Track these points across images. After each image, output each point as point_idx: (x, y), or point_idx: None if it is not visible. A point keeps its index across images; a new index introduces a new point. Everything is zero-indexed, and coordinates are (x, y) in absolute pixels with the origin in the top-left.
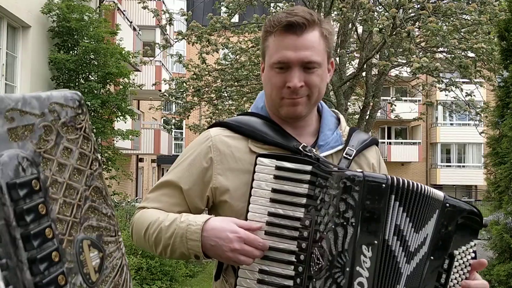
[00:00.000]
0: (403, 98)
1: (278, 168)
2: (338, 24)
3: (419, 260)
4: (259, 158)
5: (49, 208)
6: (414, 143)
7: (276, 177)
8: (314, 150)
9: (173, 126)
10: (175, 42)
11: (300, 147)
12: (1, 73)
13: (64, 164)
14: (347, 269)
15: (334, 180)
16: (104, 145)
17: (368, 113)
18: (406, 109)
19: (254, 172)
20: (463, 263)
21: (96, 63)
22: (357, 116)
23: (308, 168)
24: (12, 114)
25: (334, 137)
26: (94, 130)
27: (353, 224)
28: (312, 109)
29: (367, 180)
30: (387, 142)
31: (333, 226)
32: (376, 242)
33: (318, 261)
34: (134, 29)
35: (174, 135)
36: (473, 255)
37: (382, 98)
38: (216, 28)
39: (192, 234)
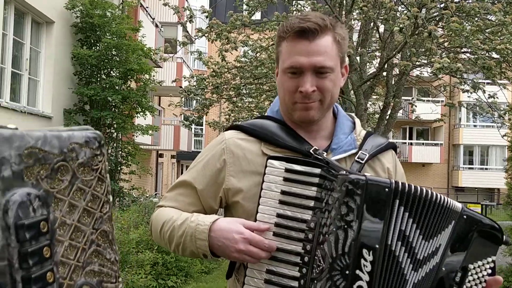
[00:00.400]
0: (425, 99)
1: (287, 170)
2: (359, 23)
3: (429, 269)
4: (269, 160)
5: (54, 251)
6: (436, 144)
7: (286, 179)
8: (325, 154)
9: (192, 123)
10: (195, 39)
11: (311, 150)
12: (25, 67)
13: (75, 205)
14: (347, 272)
15: (338, 183)
16: (124, 140)
17: (388, 113)
18: (427, 110)
19: (264, 174)
20: (478, 278)
21: (118, 59)
22: (377, 116)
23: (317, 171)
24: (31, 152)
25: (348, 141)
26: (115, 125)
27: (354, 227)
28: (325, 113)
29: (369, 183)
30: (409, 143)
31: (334, 229)
32: (377, 246)
33: (319, 263)
34: (157, 25)
35: (194, 132)
36: (489, 271)
37: (403, 98)
38: (236, 26)
39: (200, 234)
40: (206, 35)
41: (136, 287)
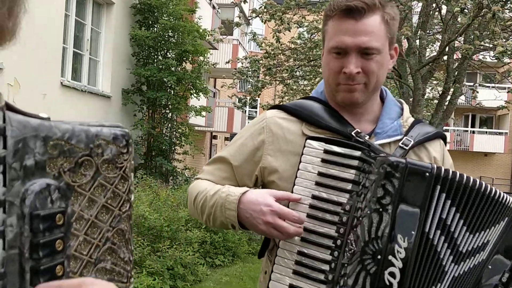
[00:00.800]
0: (490, 85)
1: (326, 151)
2: (420, 3)
3: (474, 265)
4: (308, 141)
5: (67, 244)
6: (500, 133)
7: (324, 160)
8: (367, 137)
9: (244, 105)
10: (250, 19)
11: (352, 133)
12: (86, 48)
13: (95, 201)
14: (379, 257)
15: (376, 165)
16: (179, 121)
17: (447, 99)
18: (491, 97)
19: (302, 154)
20: None
21: (174, 40)
22: (436, 102)
23: (357, 153)
24: (57, 144)
25: (393, 127)
26: (170, 106)
27: (389, 211)
28: (370, 96)
29: (409, 167)
30: (471, 131)
31: (368, 212)
32: (413, 232)
33: (351, 247)
34: (214, 7)
35: (249, 114)
36: None
37: (466, 84)
38: (291, 6)
39: (230, 204)
40: (260, 16)
41: (184, 264)
